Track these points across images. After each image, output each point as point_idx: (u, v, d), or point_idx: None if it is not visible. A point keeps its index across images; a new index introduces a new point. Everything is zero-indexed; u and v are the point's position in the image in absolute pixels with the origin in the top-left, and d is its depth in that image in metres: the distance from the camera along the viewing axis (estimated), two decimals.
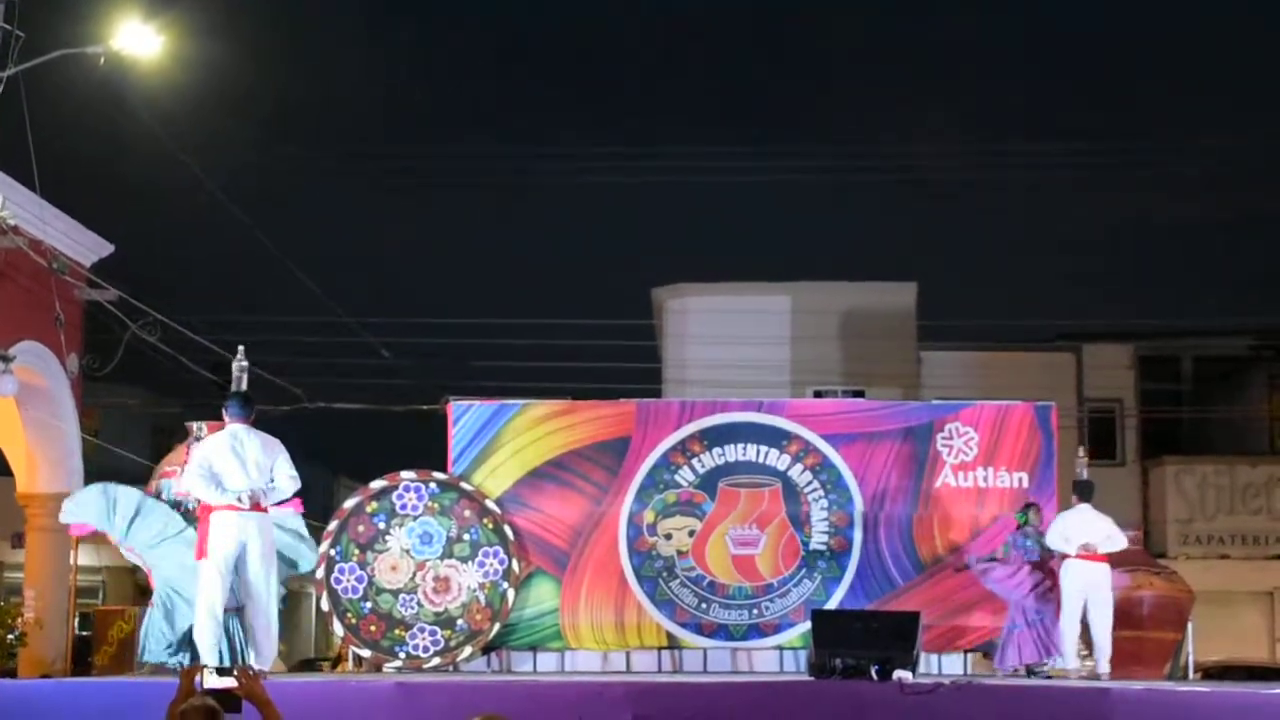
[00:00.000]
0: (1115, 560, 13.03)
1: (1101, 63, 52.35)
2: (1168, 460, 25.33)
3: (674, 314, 25.82)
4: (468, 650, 13.61)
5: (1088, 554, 12.66)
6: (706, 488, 14.14)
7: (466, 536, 13.78)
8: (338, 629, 13.91)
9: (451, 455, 14.16)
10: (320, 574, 13.47)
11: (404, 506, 13.80)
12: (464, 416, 14.24)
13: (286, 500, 10.92)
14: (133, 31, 15.20)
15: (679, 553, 14.06)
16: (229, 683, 5.98)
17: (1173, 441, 25.99)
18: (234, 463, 10.17)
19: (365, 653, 13.67)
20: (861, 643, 11.19)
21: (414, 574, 13.70)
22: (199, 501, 10.51)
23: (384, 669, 13.43)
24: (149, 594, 12.06)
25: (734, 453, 14.20)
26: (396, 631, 13.61)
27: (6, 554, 24.37)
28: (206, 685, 5.99)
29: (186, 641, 10.92)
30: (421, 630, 13.62)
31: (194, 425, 12.62)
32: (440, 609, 13.66)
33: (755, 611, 13.97)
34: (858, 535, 14.03)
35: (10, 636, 16.47)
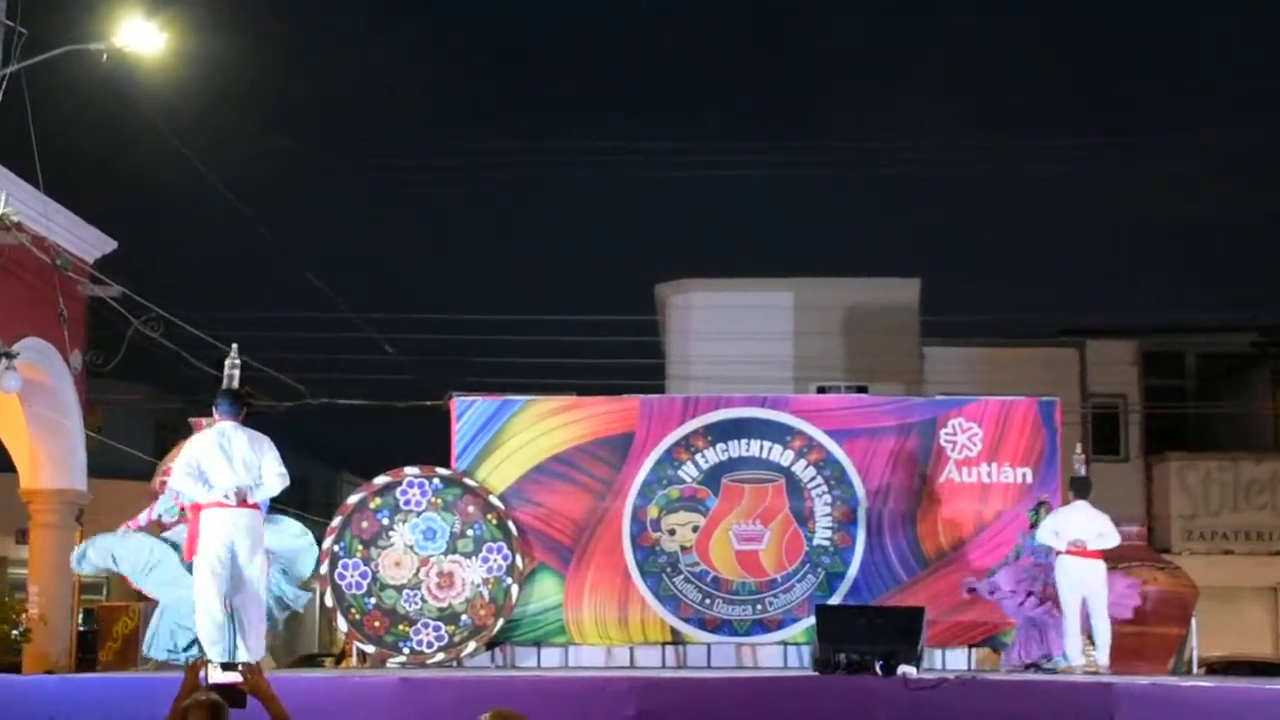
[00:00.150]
0: (1118, 556, 13.01)
1: (1101, 62, 52.34)
2: (1171, 456, 25.32)
3: (677, 310, 25.82)
4: (472, 646, 13.62)
5: (1077, 550, 12.61)
6: (710, 483, 14.14)
7: (470, 532, 13.78)
8: (341, 624, 13.92)
9: (455, 451, 14.17)
10: (324, 569, 13.48)
11: (408, 502, 13.80)
12: (467, 412, 14.25)
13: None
14: (135, 28, 15.20)
15: (683, 548, 14.06)
16: (234, 678, 6.00)
17: (1176, 437, 25.97)
18: (221, 460, 10.16)
19: (369, 648, 13.68)
20: (865, 638, 11.16)
21: (418, 569, 13.70)
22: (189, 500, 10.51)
23: (388, 664, 13.43)
24: None
25: (737, 448, 14.19)
26: (400, 627, 13.61)
27: (10, 550, 24.33)
28: (211, 680, 6.00)
29: (192, 638, 10.93)
30: (425, 626, 13.62)
31: (197, 421, 12.62)
32: (444, 604, 13.66)
33: (759, 607, 13.97)
34: (861, 531, 14.03)
35: (14, 632, 16.45)
